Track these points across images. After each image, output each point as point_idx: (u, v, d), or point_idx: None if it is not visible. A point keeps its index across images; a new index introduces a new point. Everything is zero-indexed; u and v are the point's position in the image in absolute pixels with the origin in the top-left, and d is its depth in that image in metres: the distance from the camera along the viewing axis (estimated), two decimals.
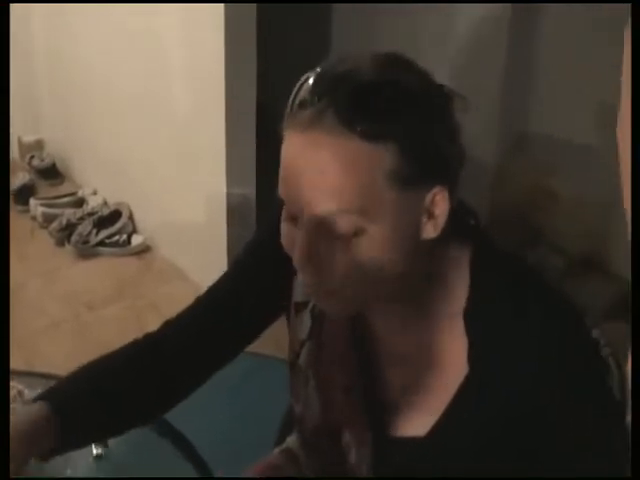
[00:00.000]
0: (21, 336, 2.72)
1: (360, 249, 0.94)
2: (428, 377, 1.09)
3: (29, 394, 1.32)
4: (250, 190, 2.90)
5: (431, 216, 0.97)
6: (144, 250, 3.37)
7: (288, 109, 0.96)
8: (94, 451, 1.31)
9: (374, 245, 0.94)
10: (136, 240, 3.37)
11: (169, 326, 1.24)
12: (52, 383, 1.42)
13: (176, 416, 1.34)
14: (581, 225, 3.08)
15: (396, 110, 0.91)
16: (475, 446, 1.05)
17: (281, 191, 0.97)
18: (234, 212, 2.90)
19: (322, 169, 0.91)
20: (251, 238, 1.27)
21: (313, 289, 1.03)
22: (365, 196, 0.92)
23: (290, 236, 0.99)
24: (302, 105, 0.93)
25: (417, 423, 1.10)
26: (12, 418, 1.05)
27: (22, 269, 3.15)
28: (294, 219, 0.98)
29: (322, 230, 0.94)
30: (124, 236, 3.36)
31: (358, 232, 0.93)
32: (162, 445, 1.35)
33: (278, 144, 0.98)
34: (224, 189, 2.85)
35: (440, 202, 0.96)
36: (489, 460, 1.05)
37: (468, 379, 1.04)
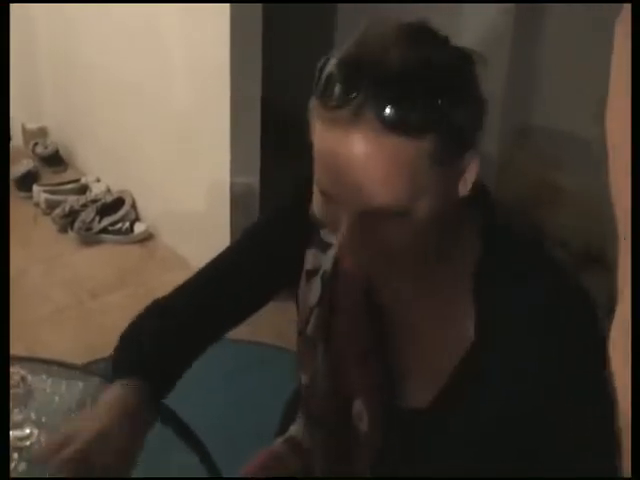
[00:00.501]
0: (23, 323, 2.73)
1: (404, 226, 0.98)
2: (436, 346, 1.11)
3: (32, 380, 1.33)
4: (254, 179, 2.90)
5: (463, 175, 1.00)
6: (147, 238, 3.37)
7: (317, 96, 0.96)
8: None
9: (417, 220, 0.97)
10: (139, 228, 3.38)
11: (178, 290, 1.28)
12: (54, 369, 1.43)
13: (178, 405, 1.34)
14: (585, 219, 3.08)
15: (432, 99, 0.92)
16: (478, 417, 1.06)
17: (321, 182, 1.00)
18: (237, 201, 2.90)
19: (369, 167, 0.93)
20: (270, 210, 1.30)
21: (358, 266, 1.07)
22: (411, 184, 0.95)
23: (324, 208, 1.02)
24: (333, 97, 0.94)
25: (423, 393, 1.11)
26: (112, 413, 1.10)
27: (25, 255, 3.15)
28: (330, 196, 1.00)
29: (370, 217, 0.97)
30: (127, 224, 3.36)
31: (403, 212, 0.97)
32: (164, 433, 1.35)
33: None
34: (228, 178, 2.85)
35: (473, 164, 0.99)
36: (490, 434, 1.06)
37: (473, 347, 1.05)
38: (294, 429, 1.42)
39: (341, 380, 1.18)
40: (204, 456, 1.29)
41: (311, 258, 1.19)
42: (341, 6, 3.70)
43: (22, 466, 1.24)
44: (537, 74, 3.13)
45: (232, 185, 2.86)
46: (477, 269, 1.06)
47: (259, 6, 2.66)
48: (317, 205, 1.03)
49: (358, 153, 0.93)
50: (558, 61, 3.01)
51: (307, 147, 1.02)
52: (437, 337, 1.11)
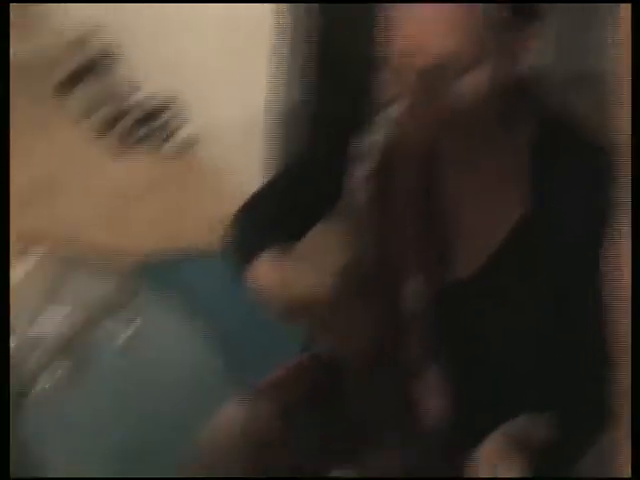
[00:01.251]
0: (57, 218, 2.76)
1: (468, 86, 1.02)
2: (487, 217, 1.13)
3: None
4: (297, 96, 2.87)
5: (526, 43, 1.05)
6: (186, 148, 3.35)
7: None
8: None
9: (481, 81, 1.02)
10: (179, 137, 3.35)
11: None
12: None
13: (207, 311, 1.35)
14: None
15: None
16: (527, 285, 1.09)
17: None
18: (279, 117, 2.87)
19: (437, 22, 1.00)
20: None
21: (420, 130, 1.09)
22: (476, 41, 1.00)
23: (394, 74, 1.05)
24: None
25: (470, 263, 1.14)
26: None
27: (61, 157, 3.16)
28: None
29: (434, 71, 1.01)
30: (166, 132, 3.34)
31: (467, 69, 1.01)
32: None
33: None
34: (271, 94, 2.83)
35: (531, 37, 1.05)
36: (539, 302, 1.09)
37: (523, 217, 1.09)
38: (317, 348, 1.43)
39: (394, 258, 1.19)
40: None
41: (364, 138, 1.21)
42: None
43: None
44: None
45: (274, 101, 2.84)
46: (534, 141, 1.09)
47: None
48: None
49: (428, 10, 1.00)
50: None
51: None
52: (488, 208, 1.13)
